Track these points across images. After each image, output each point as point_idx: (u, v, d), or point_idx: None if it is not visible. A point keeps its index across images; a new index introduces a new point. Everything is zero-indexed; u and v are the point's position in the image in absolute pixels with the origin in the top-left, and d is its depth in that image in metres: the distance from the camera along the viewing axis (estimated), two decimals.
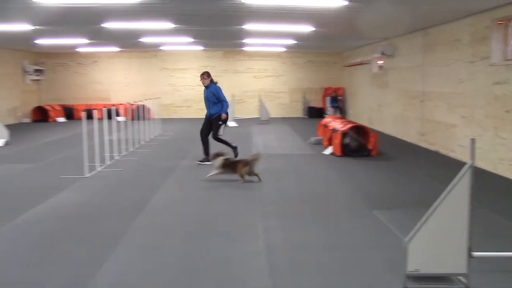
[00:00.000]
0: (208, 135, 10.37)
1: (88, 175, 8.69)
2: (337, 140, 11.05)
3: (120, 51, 21.50)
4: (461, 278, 4.08)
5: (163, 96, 21.05)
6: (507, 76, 8.65)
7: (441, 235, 3.96)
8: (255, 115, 21.11)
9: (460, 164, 5.24)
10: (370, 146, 11.04)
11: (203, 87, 10.31)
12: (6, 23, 11.58)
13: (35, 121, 20.49)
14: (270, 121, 19.52)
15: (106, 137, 10.10)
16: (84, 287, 4.05)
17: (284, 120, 20.94)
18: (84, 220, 6.10)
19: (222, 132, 10.42)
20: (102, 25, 11.94)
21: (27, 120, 20.60)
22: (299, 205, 6.84)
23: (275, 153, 11.82)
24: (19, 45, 18.22)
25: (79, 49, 20.36)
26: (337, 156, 10.95)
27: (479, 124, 9.61)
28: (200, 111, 20.95)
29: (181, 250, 5.02)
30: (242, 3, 8.93)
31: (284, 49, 20.96)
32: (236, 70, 22.55)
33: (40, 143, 13.48)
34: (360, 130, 11.42)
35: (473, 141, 3.92)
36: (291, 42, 16.98)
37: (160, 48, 20.24)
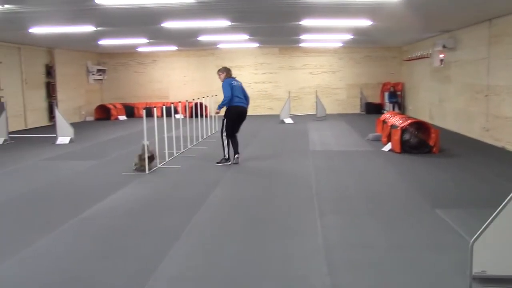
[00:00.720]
0: (231, 132, 9.87)
1: (148, 171, 8.92)
2: (396, 136, 10.78)
3: (178, 50, 21.93)
4: None
5: (220, 94, 21.23)
6: None
7: (510, 235, 3.77)
8: (312, 112, 20.96)
9: None
10: (431, 143, 10.68)
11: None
12: (71, 25, 12.08)
13: (98, 119, 21.27)
14: (326, 117, 19.33)
15: (165, 135, 10.32)
16: (147, 280, 4.16)
17: (341, 116, 20.67)
18: (145, 215, 6.26)
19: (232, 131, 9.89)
20: (162, 24, 12.22)
21: (91, 118, 21.44)
22: (357, 203, 6.73)
23: (332, 149, 11.69)
24: (83, 46, 18.99)
25: (139, 49, 20.95)
26: (397, 152, 10.68)
27: None
28: (256, 107, 21.09)
29: (240, 246, 5.06)
30: None
31: (341, 45, 20.68)
32: (292, 66, 22.47)
33: (103, 141, 13.99)
34: (420, 126, 11.09)
35: None
36: (348, 37, 16.72)
37: (217, 46, 20.49)
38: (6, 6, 9.08)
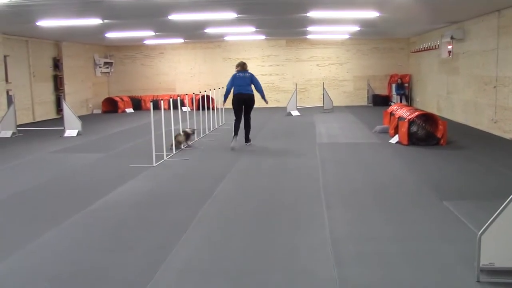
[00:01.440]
0: (236, 115, 11.05)
1: (155, 164, 8.95)
2: (403, 128, 10.73)
3: (185, 43, 21.91)
4: None
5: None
6: None
7: None
8: (319, 104, 20.91)
9: None
10: (439, 135, 10.63)
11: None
12: (78, 18, 12.09)
13: (105, 112, 21.33)
14: (333, 109, 19.27)
15: (172, 127, 10.34)
16: (155, 272, 4.18)
17: (348, 108, 20.61)
18: (153, 208, 6.29)
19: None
20: (169, 17, 12.21)
21: (98, 111, 21.51)
22: (364, 195, 6.72)
23: (339, 142, 11.67)
24: (90, 39, 19.03)
25: (146, 42, 20.95)
26: (404, 145, 10.64)
27: None
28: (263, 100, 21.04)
29: (247, 238, 5.07)
30: None
31: (348, 36, 20.57)
32: (299, 58, 22.40)
33: (110, 133, 14.04)
34: (428, 118, 11.03)
35: None
36: (355, 28, 16.63)
37: (224, 38, 20.45)
38: None
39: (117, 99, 21.60)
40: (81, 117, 14.34)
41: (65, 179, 8.15)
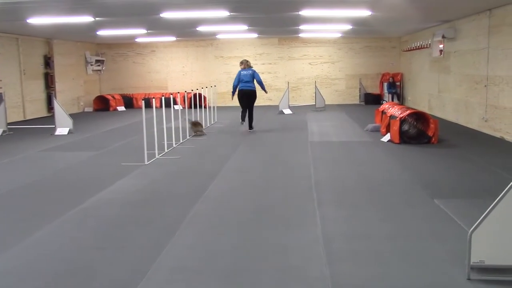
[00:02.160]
0: (242, 107, 13.06)
1: (147, 162, 8.93)
2: (395, 127, 10.78)
3: (177, 41, 21.83)
4: None
5: (219, 84, 21.28)
6: None
7: (508, 226, 3.79)
8: (311, 102, 20.94)
9: None
10: (430, 133, 10.69)
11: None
12: (70, 15, 12.01)
13: (97, 110, 21.21)
14: (325, 108, 19.31)
15: (164, 125, 10.31)
16: (146, 270, 4.17)
17: (340, 107, 20.65)
18: (144, 206, 6.27)
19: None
20: (161, 15, 12.16)
21: (89, 109, 21.39)
22: (356, 193, 6.74)
23: (331, 140, 11.70)
24: (81, 37, 18.92)
25: (138, 40, 20.87)
26: (396, 143, 10.68)
27: None
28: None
29: (239, 237, 5.07)
30: None
31: (340, 35, 20.61)
32: (291, 57, 22.41)
33: (102, 132, 13.98)
34: (419, 117, 11.09)
35: None
36: (348, 27, 16.66)
37: (216, 36, 20.41)
38: None
39: (109, 97, 21.49)
40: (72, 115, 14.26)
41: (56, 177, 8.10)
